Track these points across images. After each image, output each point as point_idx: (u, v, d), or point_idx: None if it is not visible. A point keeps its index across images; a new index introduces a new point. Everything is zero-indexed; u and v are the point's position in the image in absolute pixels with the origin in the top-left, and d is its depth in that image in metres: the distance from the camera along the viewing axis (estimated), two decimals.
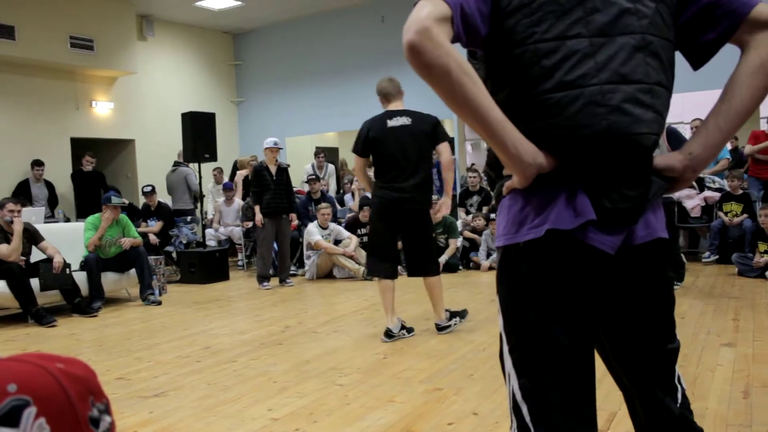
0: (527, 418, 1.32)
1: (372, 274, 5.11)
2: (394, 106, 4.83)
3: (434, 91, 1.22)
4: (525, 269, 1.31)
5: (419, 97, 10.84)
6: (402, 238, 4.95)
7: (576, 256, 1.28)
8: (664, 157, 1.36)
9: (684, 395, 1.40)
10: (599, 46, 1.26)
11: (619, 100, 1.25)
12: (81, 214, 9.24)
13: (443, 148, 4.77)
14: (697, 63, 1.40)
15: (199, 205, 9.39)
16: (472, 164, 11.02)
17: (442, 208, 4.80)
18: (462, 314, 4.99)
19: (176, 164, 10.09)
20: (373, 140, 4.79)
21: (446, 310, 4.95)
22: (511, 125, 1.24)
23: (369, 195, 9.52)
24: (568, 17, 1.26)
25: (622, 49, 1.26)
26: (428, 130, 4.73)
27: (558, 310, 1.30)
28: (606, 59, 1.26)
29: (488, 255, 8.42)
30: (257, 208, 7.84)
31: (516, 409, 1.34)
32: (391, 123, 4.75)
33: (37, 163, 9.35)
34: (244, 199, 9.65)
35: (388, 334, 4.74)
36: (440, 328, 4.91)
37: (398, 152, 4.68)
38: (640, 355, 1.38)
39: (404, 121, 4.71)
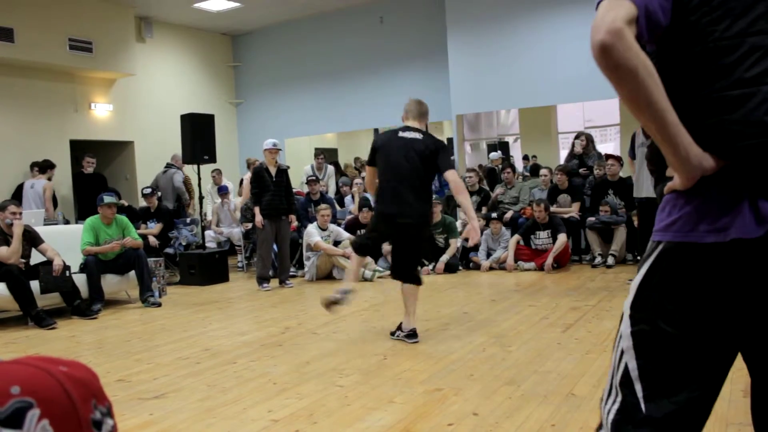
0: (639, 393, 1.34)
1: (354, 245, 5.11)
2: (411, 123, 4.87)
3: (617, 91, 1.23)
4: (695, 269, 1.30)
5: (425, 99, 10.84)
6: (392, 244, 5.03)
7: (757, 264, 1.27)
8: None
9: None
10: None
11: None
12: (81, 216, 9.24)
13: (450, 175, 4.72)
14: None
15: (196, 206, 9.39)
16: (478, 165, 11.03)
17: (471, 233, 4.65)
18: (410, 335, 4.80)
19: (167, 166, 10.09)
20: (381, 148, 4.81)
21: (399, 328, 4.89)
22: (684, 129, 1.25)
23: (369, 197, 9.55)
24: (751, 13, 1.26)
25: None
26: (433, 150, 4.69)
27: (714, 315, 1.30)
28: None
29: (488, 255, 8.43)
30: (257, 209, 7.84)
31: (627, 383, 1.36)
32: (401, 134, 4.79)
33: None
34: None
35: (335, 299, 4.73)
36: (392, 333, 4.92)
37: (401, 161, 4.67)
38: None
39: (414, 135, 4.73)
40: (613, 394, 1.39)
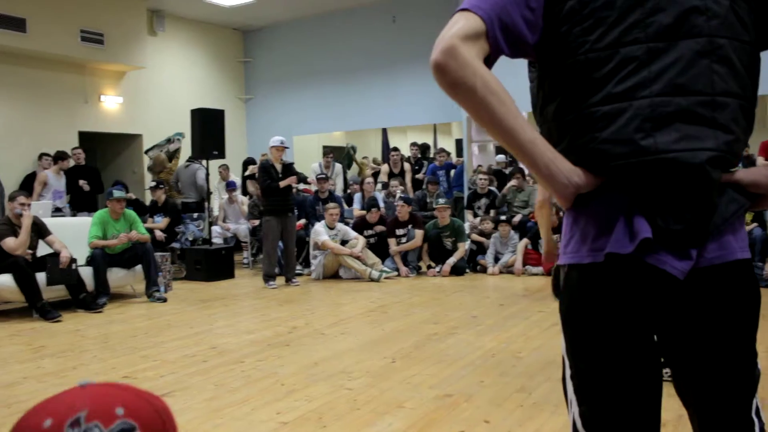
0: None
1: None
2: None
3: (463, 109, 1.17)
4: (586, 292, 1.24)
5: (423, 105, 10.80)
6: None
7: (641, 280, 1.19)
8: (749, 171, 1.23)
9: (763, 430, 1.28)
10: (657, 52, 1.16)
11: (671, 113, 1.15)
12: (74, 208, 9.22)
13: None
14: None
15: (206, 202, 9.37)
16: (479, 165, 10.98)
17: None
18: None
19: (189, 160, 10.05)
20: None
21: None
22: (544, 145, 1.16)
23: (377, 196, 9.51)
24: (625, 21, 1.16)
25: (683, 56, 1.15)
26: None
27: (620, 336, 1.22)
28: (662, 68, 1.15)
29: (496, 259, 8.37)
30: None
31: None
32: None
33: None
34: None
35: None
36: None
37: None
38: (708, 384, 1.26)
39: None
40: None
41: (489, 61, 1.17)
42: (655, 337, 1.26)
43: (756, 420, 1.27)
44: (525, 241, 8.23)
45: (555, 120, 1.24)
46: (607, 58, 1.17)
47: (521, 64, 1.35)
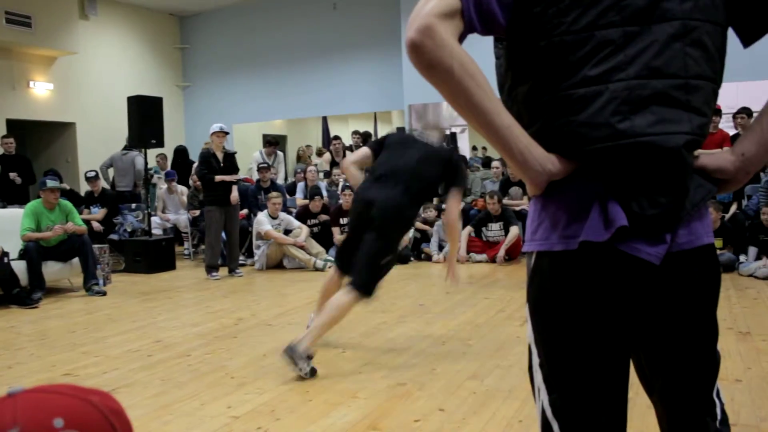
0: None
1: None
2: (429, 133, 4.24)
3: (438, 92, 1.14)
4: (557, 280, 1.23)
5: (364, 93, 10.78)
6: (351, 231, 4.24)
7: (614, 268, 1.19)
8: (713, 157, 1.24)
9: (723, 410, 1.31)
10: (632, 36, 1.14)
11: (647, 96, 1.14)
12: (3, 200, 8.85)
13: (453, 202, 4.04)
14: (748, 39, 1.26)
15: (143, 191, 9.12)
16: None
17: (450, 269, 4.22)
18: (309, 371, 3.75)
19: (127, 148, 9.76)
20: (390, 144, 4.14)
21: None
22: (519, 130, 1.15)
23: (321, 185, 9.44)
24: (600, 3, 1.14)
25: (657, 39, 1.14)
26: (446, 157, 4.04)
27: (592, 324, 1.21)
28: (637, 51, 1.14)
29: (440, 247, 8.42)
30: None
31: (545, 426, 1.27)
32: (415, 134, 4.23)
33: None
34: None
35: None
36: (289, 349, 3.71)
37: (399, 157, 3.99)
38: (677, 368, 1.28)
39: (430, 140, 4.13)
40: None
41: (460, 40, 1.15)
42: (624, 324, 1.26)
43: (717, 401, 1.31)
44: (468, 228, 8.30)
45: (526, 102, 1.22)
46: (582, 41, 1.15)
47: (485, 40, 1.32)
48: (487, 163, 10.18)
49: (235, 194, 7.71)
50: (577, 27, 1.15)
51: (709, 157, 1.25)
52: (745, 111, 7.66)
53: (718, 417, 1.30)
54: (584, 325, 1.22)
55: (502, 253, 7.89)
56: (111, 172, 10.11)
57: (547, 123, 1.20)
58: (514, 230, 7.99)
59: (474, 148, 12.27)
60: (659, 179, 1.16)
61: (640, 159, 1.15)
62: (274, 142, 10.75)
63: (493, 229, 8.22)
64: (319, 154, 11.63)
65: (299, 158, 11.49)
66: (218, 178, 7.47)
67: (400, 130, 4.01)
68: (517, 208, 8.46)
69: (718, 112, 7.61)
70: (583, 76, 1.16)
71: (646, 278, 1.21)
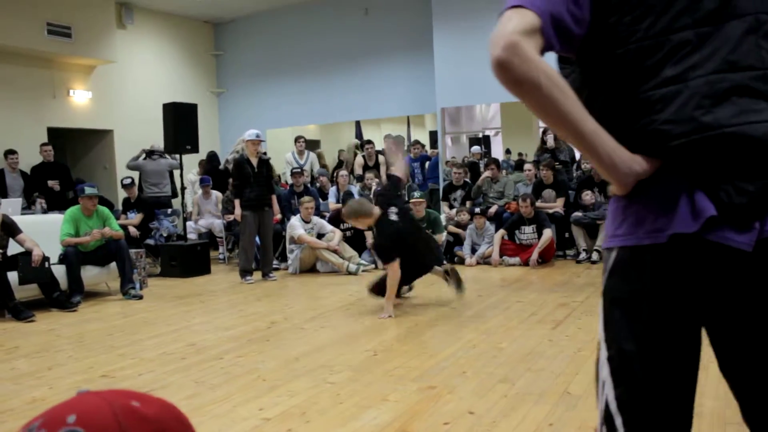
0: (620, 430, 1.26)
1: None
2: None
3: (526, 106, 1.18)
4: (645, 273, 1.24)
5: (397, 97, 10.80)
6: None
7: (704, 258, 1.21)
8: None
9: None
10: (706, 36, 1.20)
11: (727, 89, 1.19)
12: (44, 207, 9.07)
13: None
14: None
15: (180, 197, 9.26)
16: (453, 157, 11.00)
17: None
18: None
19: (160, 155, 9.90)
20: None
21: None
22: (605, 134, 1.19)
23: (353, 189, 9.48)
24: (673, 8, 1.21)
25: (731, 36, 1.20)
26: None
27: (676, 316, 1.23)
28: (713, 49, 1.20)
29: (473, 250, 8.39)
30: (237, 202, 7.75)
31: (608, 419, 1.28)
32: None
33: (11, 152, 9.11)
34: None
35: None
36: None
37: None
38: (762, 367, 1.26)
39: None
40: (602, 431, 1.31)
41: None
42: (706, 318, 1.27)
43: None
44: (501, 232, 8.26)
45: (605, 110, 1.25)
46: (659, 45, 1.21)
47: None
48: (519, 165, 10.12)
49: (276, 207, 7.86)
50: (653, 32, 1.22)
51: None
52: None
53: None
54: (666, 319, 1.24)
55: (535, 256, 7.84)
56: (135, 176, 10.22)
57: (629, 126, 1.24)
58: (547, 233, 7.93)
59: (507, 151, 12.21)
60: (746, 168, 1.19)
61: (726, 150, 1.18)
62: (303, 139, 10.88)
63: (526, 232, 8.17)
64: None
65: (340, 163, 11.54)
66: (229, 218, 7.65)
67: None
68: (551, 211, 8.39)
69: None
70: (663, 78, 1.21)
71: (736, 267, 1.22)
